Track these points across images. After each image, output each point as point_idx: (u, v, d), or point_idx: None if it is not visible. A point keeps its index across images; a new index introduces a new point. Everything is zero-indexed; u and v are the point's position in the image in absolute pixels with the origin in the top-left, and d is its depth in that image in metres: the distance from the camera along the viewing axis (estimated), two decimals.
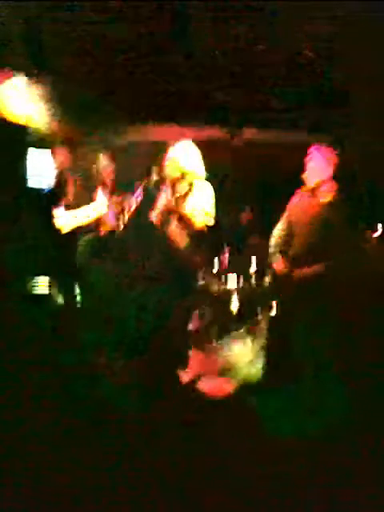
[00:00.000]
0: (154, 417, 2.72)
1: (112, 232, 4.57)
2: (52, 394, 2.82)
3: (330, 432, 2.63)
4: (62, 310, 4.03)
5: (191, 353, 3.75)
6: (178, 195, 3.38)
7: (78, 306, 4.16)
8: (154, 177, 3.61)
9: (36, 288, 4.42)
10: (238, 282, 4.96)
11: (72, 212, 4.20)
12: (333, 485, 2.24)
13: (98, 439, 2.51)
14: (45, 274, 4.23)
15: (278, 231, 3.50)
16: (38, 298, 4.08)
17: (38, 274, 4.24)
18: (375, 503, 2.12)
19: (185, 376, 3.09)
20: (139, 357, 3.45)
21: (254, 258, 4.85)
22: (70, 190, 4.33)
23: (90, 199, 4.24)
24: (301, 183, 3.39)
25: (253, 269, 4.90)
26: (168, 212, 3.41)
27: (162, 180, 3.56)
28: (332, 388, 3.08)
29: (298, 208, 3.39)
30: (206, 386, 2.82)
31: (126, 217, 3.72)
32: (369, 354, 3.15)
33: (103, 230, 4.55)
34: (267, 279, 4.53)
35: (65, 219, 4.16)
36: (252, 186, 5.63)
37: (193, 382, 3.00)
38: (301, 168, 3.32)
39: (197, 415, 2.76)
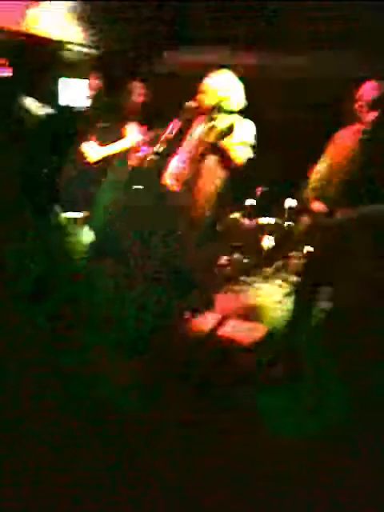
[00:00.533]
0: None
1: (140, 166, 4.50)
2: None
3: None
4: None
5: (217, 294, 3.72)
6: (217, 129, 3.20)
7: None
8: (190, 108, 3.43)
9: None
10: (269, 219, 4.87)
11: (103, 148, 4.13)
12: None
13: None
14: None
15: (320, 168, 3.35)
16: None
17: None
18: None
19: (211, 319, 3.06)
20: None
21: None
22: (100, 122, 4.23)
23: (120, 133, 4.14)
24: (343, 119, 3.19)
25: (288, 205, 4.78)
26: (205, 146, 3.26)
27: (198, 112, 3.39)
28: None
29: (343, 144, 3.21)
30: (233, 331, 2.77)
31: (160, 148, 3.57)
32: None
33: (132, 164, 4.49)
34: (303, 218, 4.41)
35: (94, 151, 4.10)
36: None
37: (218, 326, 2.97)
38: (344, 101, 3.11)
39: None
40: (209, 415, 2.61)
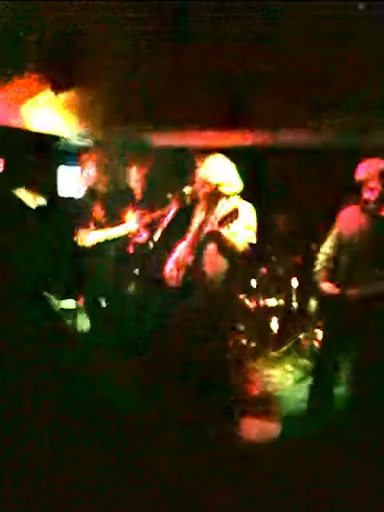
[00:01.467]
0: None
1: (140, 249, 4.43)
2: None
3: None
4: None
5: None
6: (217, 216, 3.12)
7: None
8: (187, 195, 3.38)
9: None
10: (277, 301, 4.70)
11: (100, 232, 4.09)
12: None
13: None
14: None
15: (326, 248, 3.24)
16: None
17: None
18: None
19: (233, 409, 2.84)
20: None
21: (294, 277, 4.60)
22: (99, 208, 4.22)
23: (119, 218, 4.12)
24: (348, 195, 3.13)
25: (294, 286, 4.63)
26: (206, 233, 3.16)
27: (195, 198, 3.33)
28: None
29: (351, 223, 3.12)
30: (249, 427, 2.55)
31: (157, 235, 3.49)
32: None
33: (131, 247, 4.41)
34: (311, 298, 4.25)
35: (91, 238, 4.07)
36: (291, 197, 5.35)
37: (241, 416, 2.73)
38: (349, 177, 3.05)
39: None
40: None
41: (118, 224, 4.13)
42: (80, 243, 4.11)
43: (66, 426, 2.50)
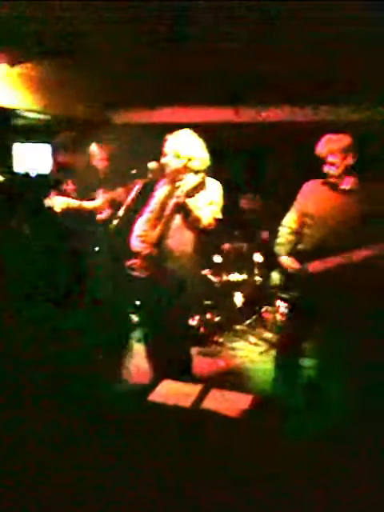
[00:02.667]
0: (155, 416, 2.54)
1: (103, 226, 4.40)
2: (52, 394, 2.68)
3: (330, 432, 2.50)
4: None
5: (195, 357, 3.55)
6: (183, 189, 3.08)
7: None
8: (152, 170, 3.34)
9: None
10: (241, 276, 4.77)
11: (71, 199, 4.07)
12: (333, 485, 2.09)
13: (97, 439, 2.38)
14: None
15: (289, 222, 3.29)
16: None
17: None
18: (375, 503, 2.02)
19: (191, 389, 2.86)
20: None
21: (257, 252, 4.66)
22: (68, 188, 4.16)
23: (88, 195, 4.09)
24: (313, 169, 3.16)
25: (258, 260, 4.70)
26: (173, 205, 3.14)
27: (161, 173, 3.29)
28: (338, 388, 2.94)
29: (313, 196, 3.16)
30: (217, 402, 2.56)
31: (121, 212, 3.45)
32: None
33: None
34: (273, 272, 4.32)
35: (59, 202, 4.02)
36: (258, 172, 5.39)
37: (201, 397, 2.76)
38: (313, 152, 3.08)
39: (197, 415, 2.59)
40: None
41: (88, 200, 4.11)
42: (49, 205, 4.06)
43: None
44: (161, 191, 3.26)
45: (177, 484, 2.14)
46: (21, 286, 4.03)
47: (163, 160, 3.21)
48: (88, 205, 4.09)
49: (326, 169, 3.04)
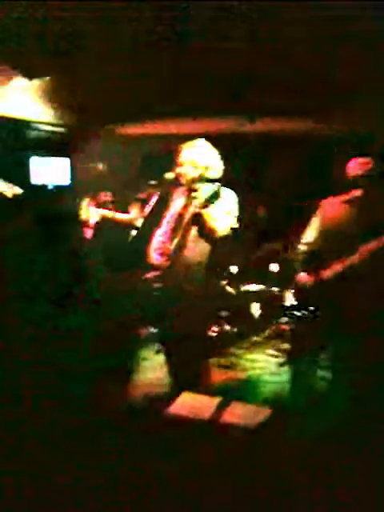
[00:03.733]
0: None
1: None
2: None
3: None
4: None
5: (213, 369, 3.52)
6: (199, 199, 3.11)
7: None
8: (169, 180, 3.35)
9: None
10: (256, 286, 4.73)
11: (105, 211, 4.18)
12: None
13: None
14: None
15: (308, 238, 3.25)
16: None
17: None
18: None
19: (207, 402, 2.83)
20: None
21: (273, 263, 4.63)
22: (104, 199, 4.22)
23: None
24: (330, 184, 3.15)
25: (274, 271, 4.66)
26: (190, 216, 3.14)
27: (176, 184, 3.30)
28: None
29: (333, 213, 3.14)
30: (236, 414, 2.53)
31: (139, 223, 3.48)
32: None
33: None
34: (290, 286, 4.30)
35: (95, 212, 4.12)
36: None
37: (219, 409, 2.73)
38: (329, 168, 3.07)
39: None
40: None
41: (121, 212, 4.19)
42: (84, 216, 4.13)
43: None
44: (178, 203, 3.26)
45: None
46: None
47: (179, 170, 3.20)
48: (122, 217, 4.15)
49: (354, 191, 3.03)
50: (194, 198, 3.11)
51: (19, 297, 3.87)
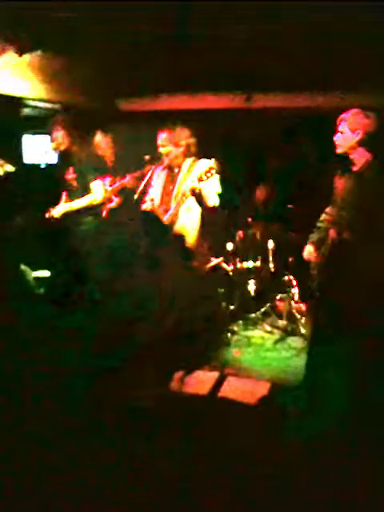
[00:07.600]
0: (155, 416, 2.63)
1: (114, 214, 4.38)
2: (52, 394, 2.79)
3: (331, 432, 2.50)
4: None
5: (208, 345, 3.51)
6: (187, 176, 3.24)
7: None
8: (164, 155, 3.36)
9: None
10: (253, 263, 4.69)
11: (66, 204, 4.16)
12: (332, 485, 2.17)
13: (97, 439, 2.46)
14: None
15: (325, 215, 3.19)
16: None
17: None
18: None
19: (206, 378, 2.81)
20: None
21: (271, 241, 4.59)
22: (69, 177, 4.14)
23: (88, 188, 4.07)
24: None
25: (271, 248, 4.62)
26: (187, 188, 3.22)
27: (167, 160, 3.37)
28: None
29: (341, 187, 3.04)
30: (233, 389, 2.51)
31: (136, 196, 3.46)
32: None
33: (105, 212, 4.37)
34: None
35: (59, 209, 4.14)
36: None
37: (217, 384, 2.72)
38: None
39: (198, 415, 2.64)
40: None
41: (86, 194, 4.08)
42: (48, 216, 4.12)
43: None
44: (166, 177, 3.41)
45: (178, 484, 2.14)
46: (21, 286, 4.08)
47: (175, 145, 3.34)
48: (88, 201, 4.07)
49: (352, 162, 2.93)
50: (191, 171, 3.26)
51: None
